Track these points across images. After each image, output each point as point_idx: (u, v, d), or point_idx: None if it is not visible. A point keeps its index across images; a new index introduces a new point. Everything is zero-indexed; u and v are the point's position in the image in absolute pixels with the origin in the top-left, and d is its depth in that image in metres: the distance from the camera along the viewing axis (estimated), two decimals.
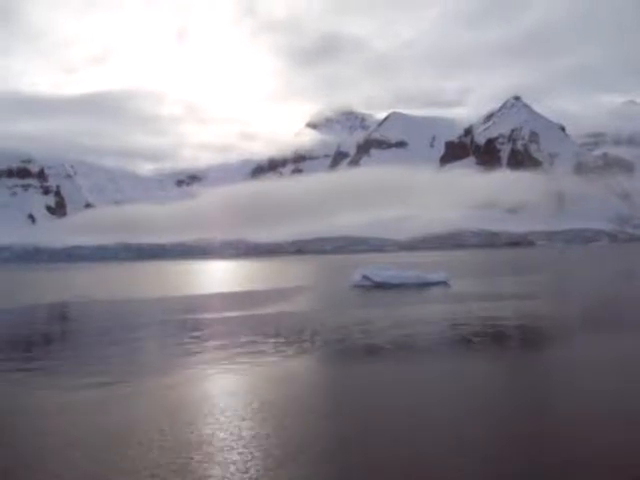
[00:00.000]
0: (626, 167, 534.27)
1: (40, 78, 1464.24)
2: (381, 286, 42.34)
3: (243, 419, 12.02)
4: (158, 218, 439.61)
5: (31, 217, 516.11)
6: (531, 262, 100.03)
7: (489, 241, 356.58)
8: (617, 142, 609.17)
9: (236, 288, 49.39)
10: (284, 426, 11.41)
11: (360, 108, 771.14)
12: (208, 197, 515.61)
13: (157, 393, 14.26)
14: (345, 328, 24.01)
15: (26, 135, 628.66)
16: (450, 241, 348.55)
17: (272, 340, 21.52)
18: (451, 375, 15.70)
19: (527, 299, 33.75)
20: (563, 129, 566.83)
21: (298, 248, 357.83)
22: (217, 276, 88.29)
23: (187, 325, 26.95)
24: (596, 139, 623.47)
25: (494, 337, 22.05)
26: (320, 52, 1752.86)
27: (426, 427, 11.33)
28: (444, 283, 43.37)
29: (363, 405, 12.90)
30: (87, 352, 20.33)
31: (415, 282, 43.02)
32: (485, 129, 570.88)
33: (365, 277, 43.29)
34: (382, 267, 46.53)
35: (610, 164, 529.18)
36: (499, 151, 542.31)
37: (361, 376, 15.73)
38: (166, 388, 14.69)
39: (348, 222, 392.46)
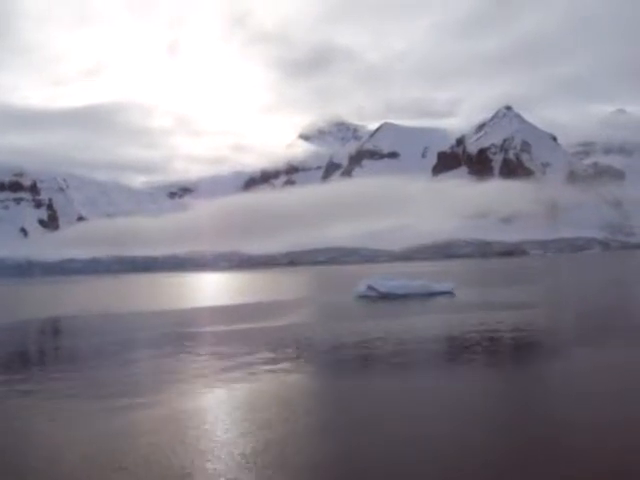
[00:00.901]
0: (617, 176, 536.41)
1: (32, 92, 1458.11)
2: (386, 297, 42.06)
3: (251, 436, 11.84)
4: (151, 230, 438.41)
5: (23, 230, 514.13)
6: (528, 271, 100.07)
7: (482, 251, 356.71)
8: (607, 151, 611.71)
9: (239, 300, 48.97)
10: (291, 443, 11.25)
11: (352, 119, 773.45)
12: (201, 209, 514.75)
13: (160, 412, 14.04)
14: (358, 340, 23.85)
15: (18, 149, 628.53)
16: (443, 251, 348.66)
17: (285, 353, 21.35)
18: (463, 387, 15.59)
19: (533, 308, 33.75)
20: (555, 138, 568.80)
21: (291, 260, 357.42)
22: (215, 288, 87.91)
23: (197, 339, 26.68)
24: (586, 148, 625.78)
25: (506, 347, 21.98)
26: (312, 63, 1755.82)
27: (433, 440, 11.21)
28: (450, 293, 43.13)
29: (376, 420, 12.71)
30: (83, 371, 19.84)
31: (421, 292, 42.77)
32: (477, 139, 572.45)
33: (370, 287, 42.99)
34: (387, 277, 46.37)
35: (601, 173, 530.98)
36: (491, 161, 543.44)
37: (376, 390, 15.56)
38: (170, 405, 14.49)
39: (341, 233, 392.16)
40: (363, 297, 43.17)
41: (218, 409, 14.06)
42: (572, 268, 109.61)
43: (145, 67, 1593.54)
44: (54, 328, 35.66)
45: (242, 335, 26.44)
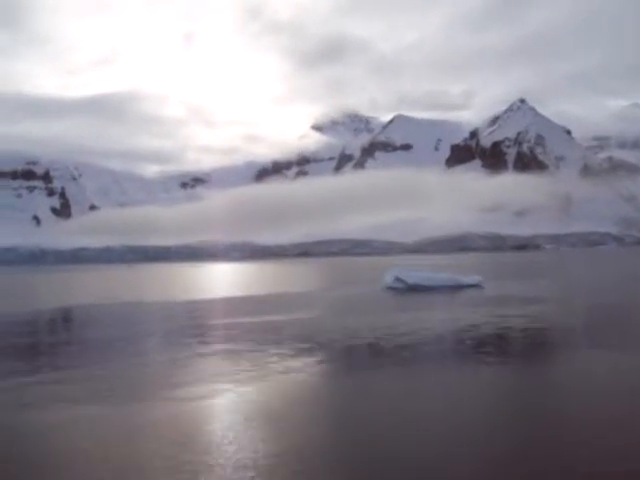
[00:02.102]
0: (631, 170, 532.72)
1: (46, 81, 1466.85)
2: (414, 288, 41.33)
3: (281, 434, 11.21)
4: (163, 220, 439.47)
5: (36, 219, 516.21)
6: (547, 265, 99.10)
7: (495, 244, 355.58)
8: (622, 145, 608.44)
9: (262, 291, 48.17)
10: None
11: (364, 110, 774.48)
12: (213, 199, 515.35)
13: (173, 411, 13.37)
14: (396, 333, 23.15)
15: (31, 137, 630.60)
16: (456, 244, 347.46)
17: (318, 347, 20.66)
18: (497, 382, 14.97)
19: (565, 303, 33.02)
20: (569, 132, 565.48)
21: (302, 251, 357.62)
22: (232, 278, 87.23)
23: (224, 331, 26.03)
24: (601, 142, 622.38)
25: (545, 342, 21.29)
26: (325, 54, 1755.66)
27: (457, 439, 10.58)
28: (478, 286, 42.42)
29: (407, 420, 12.02)
30: (90, 365, 18.83)
31: (449, 285, 42.03)
32: (491, 132, 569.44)
33: (398, 279, 42.16)
34: (414, 269, 45.69)
35: (615, 167, 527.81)
36: (505, 154, 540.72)
37: (414, 388, 14.85)
38: (194, 401, 13.83)
39: (353, 225, 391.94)
40: (390, 289, 42.42)
41: (237, 408, 13.27)
42: (591, 263, 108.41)
43: (159, 56, 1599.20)
44: (68, 318, 34.87)
45: (272, 328, 25.71)
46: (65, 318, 34.74)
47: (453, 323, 25.53)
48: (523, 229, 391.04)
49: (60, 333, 29.56)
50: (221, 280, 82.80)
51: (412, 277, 42.55)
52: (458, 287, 41.88)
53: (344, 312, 30.46)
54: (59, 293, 60.19)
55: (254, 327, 25.86)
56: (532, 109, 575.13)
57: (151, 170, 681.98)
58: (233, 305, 37.79)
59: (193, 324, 28.06)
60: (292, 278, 78.56)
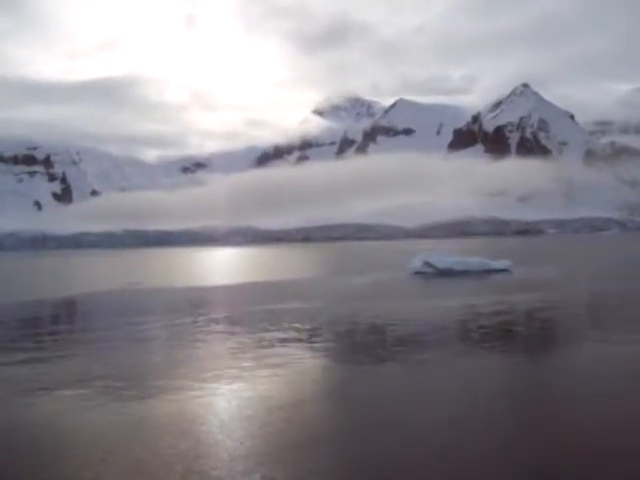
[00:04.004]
0: (634, 155, 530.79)
1: (47, 65, 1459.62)
2: (444, 273, 40.50)
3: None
4: (164, 205, 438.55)
5: (37, 204, 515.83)
6: (563, 250, 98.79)
7: (499, 229, 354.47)
8: (624, 130, 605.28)
9: (279, 277, 46.76)
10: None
11: (366, 95, 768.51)
12: (214, 184, 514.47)
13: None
14: (439, 321, 22.22)
15: (32, 122, 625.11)
16: (460, 229, 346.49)
17: (367, 339, 19.72)
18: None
19: (593, 287, 32.50)
20: (572, 117, 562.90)
21: (305, 235, 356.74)
22: (242, 263, 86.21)
23: (255, 318, 25.05)
24: (603, 127, 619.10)
25: (574, 329, 20.57)
26: (327, 38, 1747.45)
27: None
28: (507, 270, 41.80)
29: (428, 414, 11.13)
30: (94, 354, 17.76)
31: (479, 269, 41.25)
32: (493, 117, 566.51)
33: (427, 264, 41.26)
34: (443, 254, 44.74)
35: (618, 152, 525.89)
36: (508, 139, 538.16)
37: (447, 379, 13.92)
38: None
39: (356, 210, 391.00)
40: (419, 273, 41.53)
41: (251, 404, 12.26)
42: (601, 248, 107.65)
43: (161, 41, 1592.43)
44: (72, 306, 33.73)
45: (308, 315, 24.77)
46: (70, 306, 33.42)
47: (494, 307, 24.65)
48: (526, 214, 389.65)
49: (65, 321, 28.56)
50: (229, 265, 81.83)
51: (442, 262, 41.73)
52: (487, 272, 41.17)
53: (383, 298, 29.47)
54: (64, 278, 59.40)
55: (296, 314, 24.86)
56: (535, 93, 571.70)
57: (152, 155, 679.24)
58: (257, 291, 36.73)
59: (220, 311, 27.10)
60: (307, 263, 77.48)
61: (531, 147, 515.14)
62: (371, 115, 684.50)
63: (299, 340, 18.36)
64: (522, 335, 19.62)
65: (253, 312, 25.32)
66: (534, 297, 27.51)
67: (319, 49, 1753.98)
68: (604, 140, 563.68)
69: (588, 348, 16.62)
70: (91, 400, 12.30)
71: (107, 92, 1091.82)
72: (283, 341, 18.10)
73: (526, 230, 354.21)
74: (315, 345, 17.74)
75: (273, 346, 17.31)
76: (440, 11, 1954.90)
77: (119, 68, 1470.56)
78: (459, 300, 27.17)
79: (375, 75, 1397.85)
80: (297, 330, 20.17)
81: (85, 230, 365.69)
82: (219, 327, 21.53)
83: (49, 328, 24.53)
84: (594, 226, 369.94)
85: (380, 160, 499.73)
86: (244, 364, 14.93)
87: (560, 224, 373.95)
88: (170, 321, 23.14)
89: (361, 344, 18.34)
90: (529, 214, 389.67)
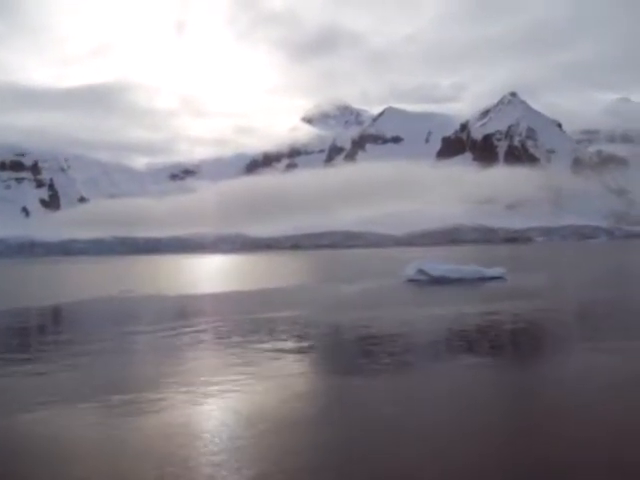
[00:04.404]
0: (621, 164, 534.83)
1: (37, 71, 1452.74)
2: (438, 281, 40.48)
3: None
4: (153, 212, 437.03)
5: (25, 210, 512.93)
6: (553, 258, 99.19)
7: (487, 237, 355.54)
8: (611, 139, 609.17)
9: (271, 285, 46.50)
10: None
11: (355, 103, 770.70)
12: (203, 191, 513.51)
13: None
14: (434, 330, 22.17)
15: (20, 128, 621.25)
16: (448, 236, 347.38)
17: (370, 348, 19.60)
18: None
19: (587, 294, 32.61)
20: (560, 125, 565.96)
21: (294, 243, 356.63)
22: (230, 271, 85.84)
23: (261, 327, 24.90)
24: (590, 136, 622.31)
25: (570, 336, 20.58)
26: (317, 46, 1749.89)
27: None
28: (501, 278, 41.89)
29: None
30: (82, 366, 17.44)
31: (473, 277, 41.31)
32: (482, 125, 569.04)
33: (421, 271, 41.23)
34: (436, 261, 44.71)
35: (605, 161, 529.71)
36: (496, 147, 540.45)
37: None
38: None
39: (344, 217, 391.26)
40: (412, 281, 41.47)
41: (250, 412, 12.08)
42: (590, 256, 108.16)
43: (151, 47, 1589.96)
44: (61, 314, 33.30)
45: (298, 324, 24.64)
46: (57, 315, 32.98)
47: (493, 316, 24.64)
48: (514, 222, 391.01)
49: (52, 331, 28.32)
50: (219, 273, 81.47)
51: (436, 269, 41.70)
52: (481, 279, 41.20)
53: (376, 307, 29.34)
54: (53, 286, 58.98)
55: (288, 323, 24.73)
56: (523, 102, 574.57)
57: (141, 162, 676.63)
58: (246, 299, 36.53)
59: (211, 321, 26.90)
60: (297, 271, 77.13)
61: (519, 155, 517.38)
62: (360, 123, 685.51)
63: (294, 351, 18.19)
64: (521, 344, 19.62)
65: (245, 321, 25.15)
66: (530, 305, 27.59)
67: (309, 57, 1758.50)
68: (591, 149, 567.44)
69: (582, 357, 16.65)
70: (77, 415, 12.02)
71: (97, 98, 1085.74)
72: (279, 352, 17.89)
73: (514, 238, 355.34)
74: (308, 356, 17.61)
75: (268, 358, 17.06)
76: (430, 20, 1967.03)
77: (109, 74, 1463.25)
78: (455, 308, 27.10)
79: (364, 83, 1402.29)
80: (293, 339, 20.04)
81: (73, 237, 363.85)
82: (210, 337, 21.26)
83: (38, 337, 24.28)
84: (582, 234, 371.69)
85: (369, 168, 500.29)
86: (235, 377, 14.54)
87: (548, 232, 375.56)
88: (161, 330, 22.77)
89: (352, 354, 18.21)
90: (517, 222, 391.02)
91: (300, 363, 16.38)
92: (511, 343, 19.68)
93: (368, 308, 28.23)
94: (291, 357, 17.00)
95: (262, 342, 19.47)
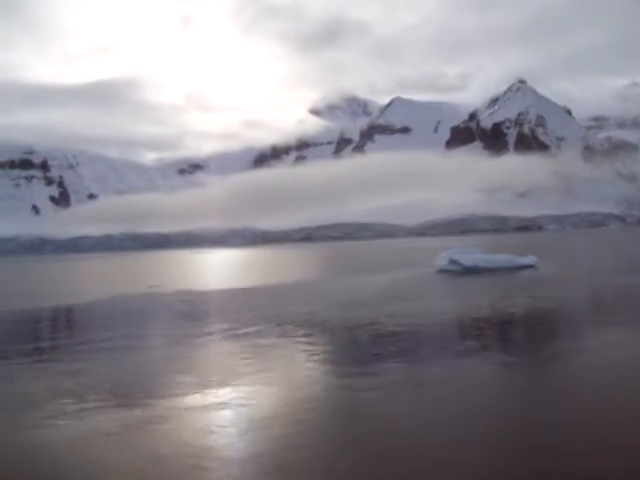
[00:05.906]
0: (631, 150, 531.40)
1: (43, 69, 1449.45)
2: (471, 271, 39.65)
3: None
4: (162, 207, 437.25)
5: (35, 208, 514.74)
6: (571, 245, 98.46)
7: (498, 226, 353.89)
8: (621, 125, 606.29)
9: (300, 278, 45.39)
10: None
11: (363, 94, 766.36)
12: (212, 186, 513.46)
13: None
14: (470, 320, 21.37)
15: (28, 126, 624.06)
16: (459, 226, 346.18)
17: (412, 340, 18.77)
18: None
19: (620, 277, 32.00)
20: (569, 112, 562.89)
21: (305, 235, 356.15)
22: (252, 265, 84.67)
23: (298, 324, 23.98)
24: (600, 122, 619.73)
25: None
26: (323, 38, 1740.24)
27: None
28: (533, 266, 41.14)
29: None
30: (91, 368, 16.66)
31: (505, 266, 40.53)
32: (491, 113, 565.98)
33: (453, 261, 40.46)
34: (468, 251, 43.79)
35: (616, 147, 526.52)
36: (506, 135, 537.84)
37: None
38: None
39: (355, 209, 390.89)
40: (444, 271, 40.68)
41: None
42: (609, 243, 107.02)
43: (156, 42, 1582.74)
44: (106, 309, 32.46)
45: (364, 322, 23.80)
46: (70, 316, 32.12)
47: (536, 304, 23.86)
48: (525, 210, 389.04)
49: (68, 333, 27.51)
50: (241, 266, 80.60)
51: (468, 259, 40.88)
52: (514, 268, 40.42)
53: (417, 298, 28.51)
54: (67, 283, 58.49)
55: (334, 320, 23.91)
56: (532, 90, 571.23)
57: (149, 157, 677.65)
58: (282, 293, 35.66)
59: (244, 316, 26.09)
60: (322, 264, 76.10)
61: (529, 143, 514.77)
62: (368, 114, 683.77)
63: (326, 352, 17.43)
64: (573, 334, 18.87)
65: (288, 315, 24.34)
66: (570, 294, 26.89)
67: (315, 49, 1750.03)
68: (601, 135, 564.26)
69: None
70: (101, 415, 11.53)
71: (103, 95, 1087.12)
72: (324, 353, 17.12)
73: (526, 226, 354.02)
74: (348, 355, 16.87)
75: (313, 361, 16.22)
76: (435, 8, 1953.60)
77: (115, 70, 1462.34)
78: (498, 297, 26.31)
79: (371, 74, 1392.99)
80: (326, 337, 19.29)
81: (83, 234, 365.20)
82: (263, 336, 20.34)
83: (98, 332, 23.63)
84: (593, 221, 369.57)
85: (378, 159, 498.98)
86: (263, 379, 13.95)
87: (559, 219, 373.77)
88: (215, 330, 22.09)
89: (391, 347, 17.35)
90: (528, 210, 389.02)
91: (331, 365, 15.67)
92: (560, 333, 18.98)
93: (408, 300, 27.38)
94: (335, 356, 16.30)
95: (313, 343, 18.57)
